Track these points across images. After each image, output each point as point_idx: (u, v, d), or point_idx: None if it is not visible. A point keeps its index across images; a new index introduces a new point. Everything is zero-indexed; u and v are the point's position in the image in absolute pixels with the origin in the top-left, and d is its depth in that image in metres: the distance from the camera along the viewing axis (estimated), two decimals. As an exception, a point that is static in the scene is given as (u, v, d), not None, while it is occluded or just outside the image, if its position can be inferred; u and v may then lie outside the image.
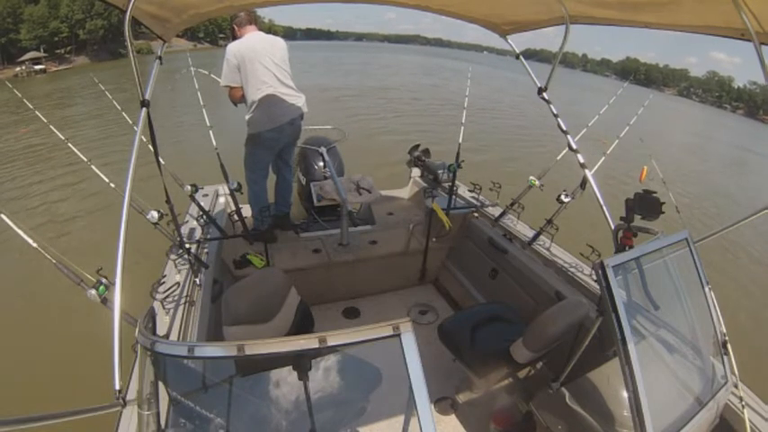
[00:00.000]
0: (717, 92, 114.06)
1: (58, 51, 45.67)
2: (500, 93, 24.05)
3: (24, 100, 2.43)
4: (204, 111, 2.98)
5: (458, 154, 3.03)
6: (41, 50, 41.72)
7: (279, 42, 2.82)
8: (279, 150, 2.95)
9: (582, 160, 2.05)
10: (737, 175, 14.77)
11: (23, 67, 37.78)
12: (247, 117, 2.76)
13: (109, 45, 47.98)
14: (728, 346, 1.48)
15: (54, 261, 1.38)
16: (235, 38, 2.73)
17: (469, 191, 3.26)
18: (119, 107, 2.75)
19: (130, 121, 2.27)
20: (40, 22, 42.74)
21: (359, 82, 23.49)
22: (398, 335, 0.83)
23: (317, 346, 0.81)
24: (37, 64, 39.18)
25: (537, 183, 2.76)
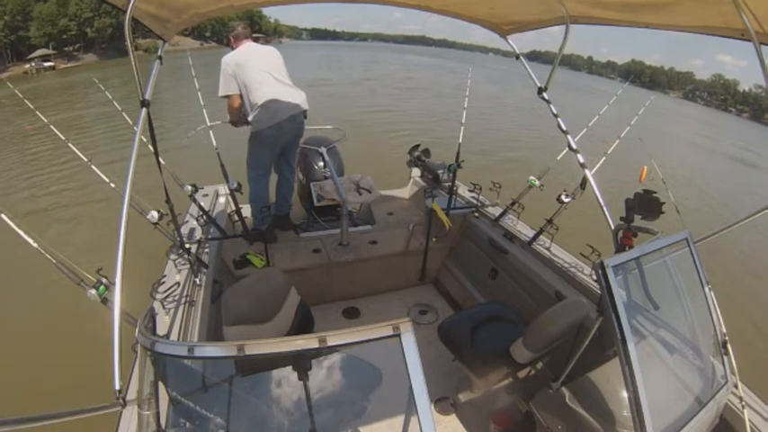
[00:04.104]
0: (722, 95, 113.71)
1: (67, 49, 46.27)
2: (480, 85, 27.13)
3: (26, 101, 2.42)
4: (204, 110, 2.98)
5: (458, 154, 3.03)
6: (50, 48, 42.10)
7: (273, 51, 2.93)
8: (281, 149, 2.95)
9: (582, 160, 2.06)
10: (737, 174, 14.83)
11: (33, 65, 38.42)
12: (250, 118, 2.80)
13: (117, 43, 48.50)
14: (729, 346, 1.48)
15: (54, 261, 1.38)
16: (231, 48, 2.82)
17: (469, 191, 3.26)
18: (119, 107, 2.75)
19: (130, 121, 2.27)
20: (49, 20, 43.23)
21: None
22: (398, 335, 0.83)
23: (316, 346, 0.81)
24: (46, 61, 39.82)
25: (537, 183, 2.76)
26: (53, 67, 39.20)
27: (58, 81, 26.46)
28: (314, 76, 22.40)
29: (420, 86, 24.79)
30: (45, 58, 40.25)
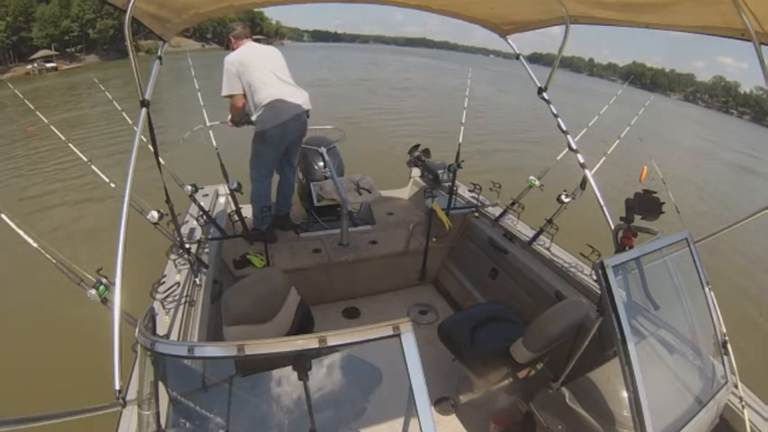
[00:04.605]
0: (723, 97, 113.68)
1: (69, 50, 46.58)
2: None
3: (26, 101, 2.43)
4: (204, 111, 2.98)
5: (458, 154, 3.03)
6: (53, 49, 42.38)
7: (275, 51, 2.93)
8: (285, 149, 2.95)
9: (582, 160, 2.06)
10: (737, 176, 14.85)
11: (35, 65, 38.71)
12: (254, 117, 2.80)
13: (118, 44, 48.90)
14: (728, 346, 1.48)
15: (54, 261, 1.38)
16: (231, 49, 2.81)
17: (469, 191, 3.26)
18: (119, 107, 2.75)
19: (130, 121, 2.27)
20: (51, 21, 43.54)
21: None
22: (398, 335, 0.83)
23: (316, 346, 0.81)
24: (48, 62, 40.17)
25: (537, 183, 2.76)
26: (55, 68, 39.59)
27: (61, 81, 26.86)
28: (315, 77, 22.92)
29: (419, 87, 25.62)
30: (47, 58, 40.63)
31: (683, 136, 24.65)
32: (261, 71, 2.71)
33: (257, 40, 2.94)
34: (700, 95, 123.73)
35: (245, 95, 2.75)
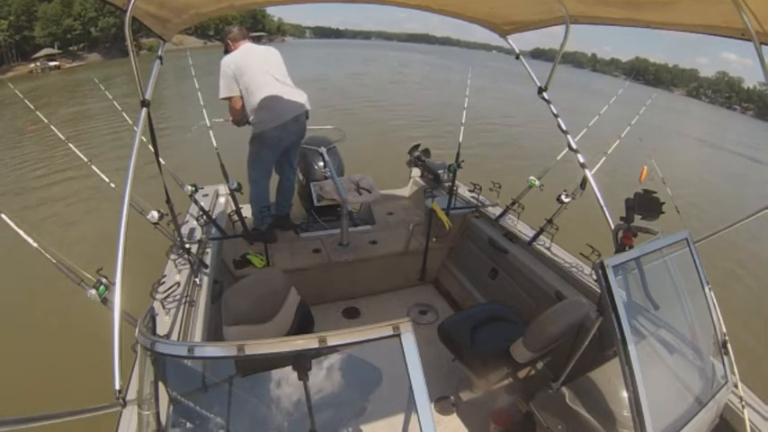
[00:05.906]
0: (727, 93, 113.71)
1: (72, 48, 46.76)
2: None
3: (26, 101, 2.42)
4: (204, 111, 2.98)
5: (458, 154, 3.03)
6: (55, 48, 42.63)
7: (272, 51, 2.90)
8: (284, 150, 2.94)
9: (582, 160, 2.05)
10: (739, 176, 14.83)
11: (38, 64, 39.09)
12: (252, 119, 2.77)
13: (120, 43, 48.85)
14: (729, 345, 1.48)
15: (54, 261, 1.38)
16: (228, 52, 2.77)
17: (469, 191, 3.26)
18: (119, 107, 2.75)
19: (130, 121, 2.27)
20: (53, 20, 43.74)
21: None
22: (398, 335, 0.83)
23: (316, 346, 0.81)
24: (51, 61, 40.55)
25: (537, 183, 2.76)
26: (58, 67, 39.91)
27: (63, 80, 27.09)
28: (315, 73, 23.44)
29: (414, 82, 26.81)
30: (50, 57, 40.88)
31: (686, 136, 24.63)
32: (258, 73, 2.69)
33: (258, 38, 2.92)
34: (703, 91, 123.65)
35: (242, 97, 2.74)
